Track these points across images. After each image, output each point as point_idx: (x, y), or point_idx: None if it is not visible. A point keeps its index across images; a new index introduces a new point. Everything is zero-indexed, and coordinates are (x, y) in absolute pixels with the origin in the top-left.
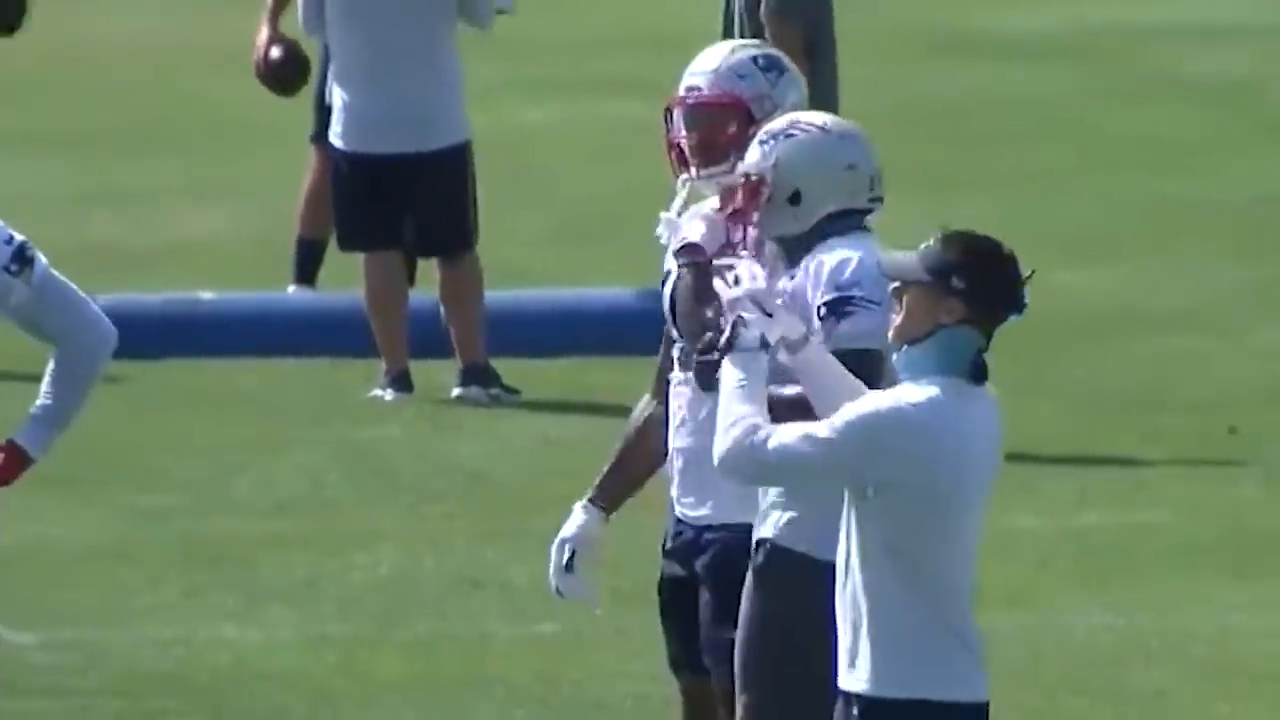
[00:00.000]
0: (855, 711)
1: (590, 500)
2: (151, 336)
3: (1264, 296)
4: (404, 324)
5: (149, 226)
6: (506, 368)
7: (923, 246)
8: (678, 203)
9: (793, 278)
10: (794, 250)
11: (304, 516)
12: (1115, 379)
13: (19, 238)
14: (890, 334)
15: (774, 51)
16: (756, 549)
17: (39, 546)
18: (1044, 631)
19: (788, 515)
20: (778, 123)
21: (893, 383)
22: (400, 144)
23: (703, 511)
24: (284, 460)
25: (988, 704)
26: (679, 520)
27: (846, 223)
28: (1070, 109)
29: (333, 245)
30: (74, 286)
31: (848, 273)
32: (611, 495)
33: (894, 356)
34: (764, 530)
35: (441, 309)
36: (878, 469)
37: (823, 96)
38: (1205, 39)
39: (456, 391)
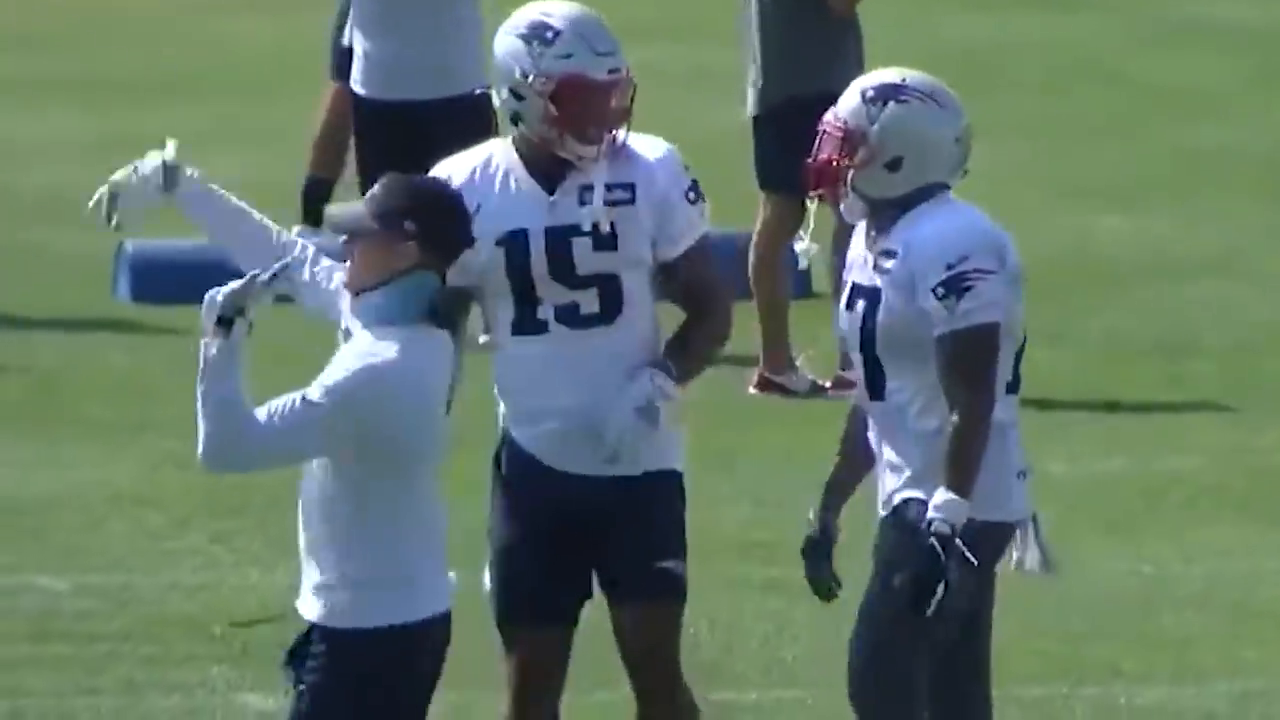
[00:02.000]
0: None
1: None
2: (184, 281)
3: None
4: None
5: None
6: None
7: (368, 196)
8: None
9: (890, 257)
10: (881, 212)
11: None
12: (1141, 325)
13: None
14: (344, 282)
15: None
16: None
17: (69, 493)
18: (1070, 578)
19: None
20: (882, 77)
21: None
22: (420, 90)
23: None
24: None
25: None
26: (585, 478)
27: (933, 190)
28: (1097, 56)
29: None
30: None
31: (954, 246)
32: None
33: (347, 302)
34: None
35: None
36: (356, 429)
37: (846, 44)
38: None
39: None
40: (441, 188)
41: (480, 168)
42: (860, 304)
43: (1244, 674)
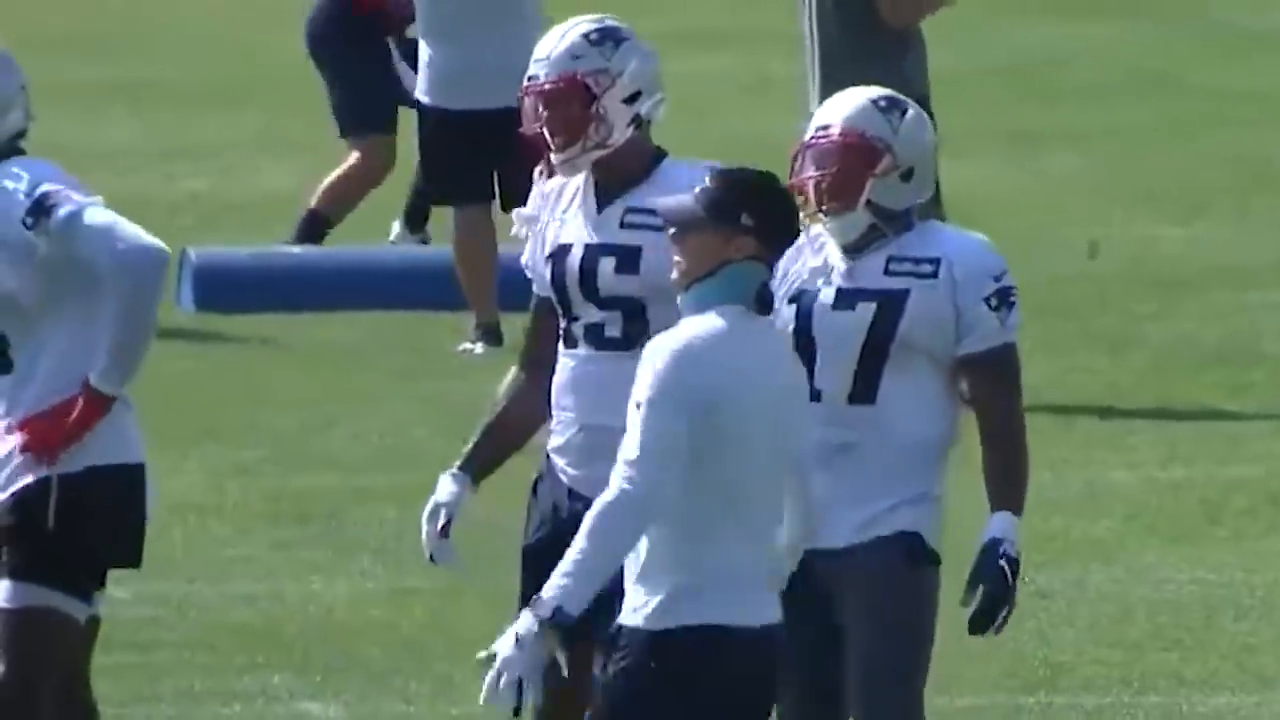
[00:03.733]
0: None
1: (459, 468)
2: (241, 290)
3: None
4: (494, 277)
5: (231, 180)
6: None
7: (697, 190)
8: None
9: (928, 263)
10: (889, 224)
11: (392, 470)
12: (1203, 333)
13: (46, 187)
14: (674, 279)
15: (611, 23)
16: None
17: None
18: (1133, 585)
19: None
20: (875, 91)
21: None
22: (486, 99)
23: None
24: (373, 414)
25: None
26: (573, 492)
27: (913, 209)
28: (1154, 63)
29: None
30: (111, 218)
31: (995, 261)
32: (479, 465)
33: (679, 299)
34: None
35: None
36: (691, 404)
37: (913, 58)
38: None
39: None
40: (775, 182)
41: (566, 183)
42: (865, 305)
43: None
